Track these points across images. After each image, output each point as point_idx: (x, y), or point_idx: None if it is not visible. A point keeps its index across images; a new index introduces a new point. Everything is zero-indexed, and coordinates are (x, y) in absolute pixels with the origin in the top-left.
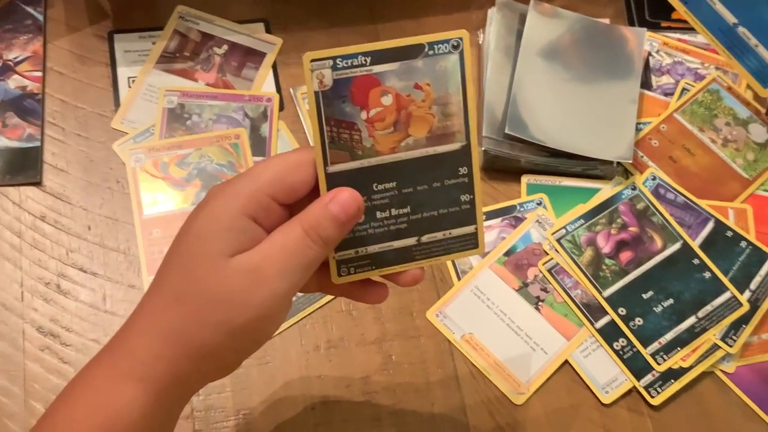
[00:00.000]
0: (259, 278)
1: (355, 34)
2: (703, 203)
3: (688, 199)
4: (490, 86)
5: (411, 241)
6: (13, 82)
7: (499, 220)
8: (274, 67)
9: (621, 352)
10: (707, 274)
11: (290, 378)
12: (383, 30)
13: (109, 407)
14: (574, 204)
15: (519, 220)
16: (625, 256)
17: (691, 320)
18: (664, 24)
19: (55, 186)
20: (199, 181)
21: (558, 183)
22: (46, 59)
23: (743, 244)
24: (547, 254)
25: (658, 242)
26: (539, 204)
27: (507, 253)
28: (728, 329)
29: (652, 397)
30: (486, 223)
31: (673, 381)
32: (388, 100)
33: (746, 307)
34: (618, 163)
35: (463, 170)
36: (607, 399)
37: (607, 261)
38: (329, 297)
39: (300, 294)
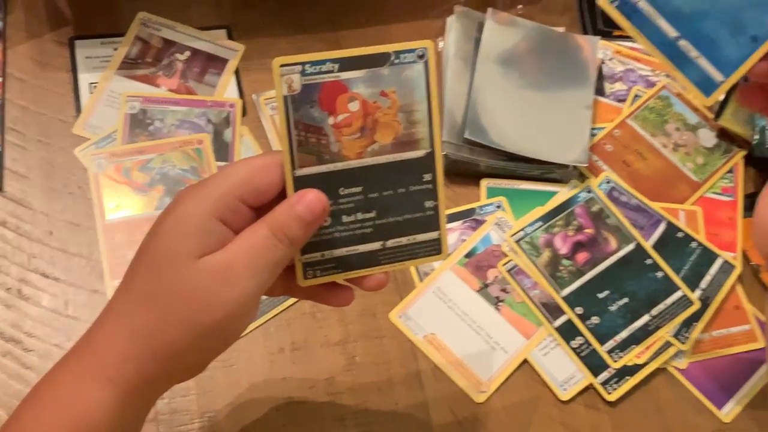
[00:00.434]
0: (227, 278)
1: (316, 41)
2: (655, 205)
3: (641, 201)
4: (450, 92)
5: (376, 245)
6: None
7: (459, 222)
8: (237, 73)
9: (578, 350)
10: (660, 274)
11: (255, 380)
12: (344, 37)
13: (77, 408)
14: (533, 207)
15: (479, 223)
16: (582, 256)
17: (645, 318)
18: (616, 33)
19: (16, 192)
20: (162, 186)
21: (517, 186)
22: (5, 65)
23: (693, 244)
24: (507, 256)
25: (613, 243)
26: (498, 207)
27: (468, 255)
28: (680, 327)
29: (609, 393)
30: (447, 226)
31: (628, 378)
32: (355, 106)
33: (697, 305)
34: (574, 166)
35: (427, 177)
36: (565, 396)
37: (564, 262)
38: (293, 300)
39: (264, 297)
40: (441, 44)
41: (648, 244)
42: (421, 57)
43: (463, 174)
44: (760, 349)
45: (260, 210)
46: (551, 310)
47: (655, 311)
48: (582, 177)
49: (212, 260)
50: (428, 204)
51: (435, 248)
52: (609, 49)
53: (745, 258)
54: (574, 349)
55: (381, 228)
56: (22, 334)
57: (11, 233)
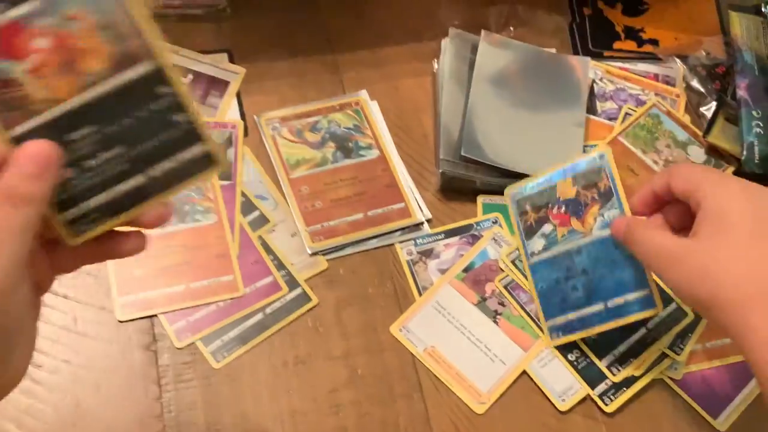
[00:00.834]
0: None
1: (315, 63)
2: None
3: None
4: (446, 111)
5: (139, 179)
6: None
7: (457, 238)
8: (238, 95)
9: (575, 363)
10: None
11: (260, 393)
12: (342, 60)
13: None
14: None
15: (476, 238)
16: None
17: (641, 332)
18: (606, 53)
19: None
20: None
21: None
22: None
23: None
24: (503, 271)
25: None
26: (495, 223)
27: (465, 270)
28: (675, 338)
29: (606, 404)
30: (445, 241)
31: (625, 389)
32: (43, 42)
33: (691, 317)
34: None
35: (164, 90)
36: (563, 407)
37: None
38: (297, 314)
39: (268, 311)
40: (436, 65)
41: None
42: None
43: (459, 191)
44: None
45: None
46: (537, 315)
47: (650, 324)
48: None
49: None
50: (178, 118)
51: (207, 162)
52: (599, 69)
53: None
54: (571, 362)
55: (136, 159)
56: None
57: None
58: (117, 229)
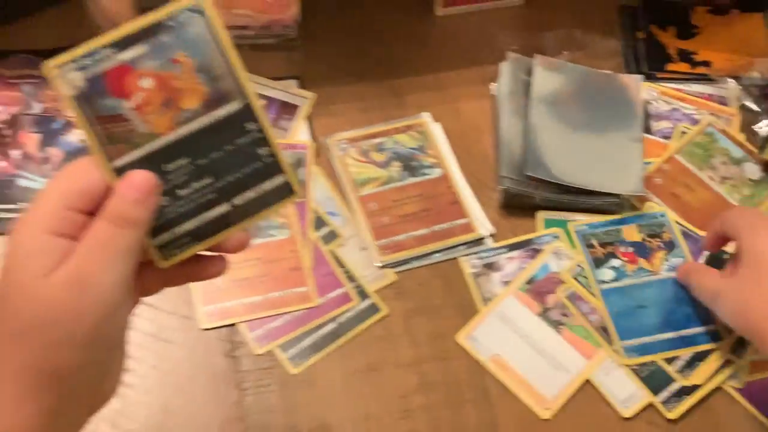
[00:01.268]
0: (82, 281)
1: (380, 87)
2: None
3: (690, 230)
4: (505, 131)
5: (224, 207)
6: (75, 137)
7: (519, 251)
8: (308, 118)
9: (639, 371)
10: None
11: (334, 398)
12: (405, 84)
13: None
14: None
15: (537, 252)
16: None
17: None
18: (660, 75)
19: None
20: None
21: (571, 218)
22: None
23: None
24: (565, 283)
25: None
26: (555, 237)
27: (528, 282)
28: (736, 346)
29: (669, 411)
30: (507, 255)
31: (687, 396)
32: (147, 82)
33: None
34: (626, 198)
35: (251, 126)
36: (627, 413)
37: None
38: (367, 323)
39: (341, 320)
40: (494, 88)
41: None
42: (197, 11)
43: (520, 206)
44: None
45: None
46: (610, 333)
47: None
48: (633, 208)
49: (61, 272)
50: (262, 152)
51: (286, 191)
52: (654, 90)
53: None
54: (634, 370)
55: (222, 189)
56: None
57: None
58: (200, 253)
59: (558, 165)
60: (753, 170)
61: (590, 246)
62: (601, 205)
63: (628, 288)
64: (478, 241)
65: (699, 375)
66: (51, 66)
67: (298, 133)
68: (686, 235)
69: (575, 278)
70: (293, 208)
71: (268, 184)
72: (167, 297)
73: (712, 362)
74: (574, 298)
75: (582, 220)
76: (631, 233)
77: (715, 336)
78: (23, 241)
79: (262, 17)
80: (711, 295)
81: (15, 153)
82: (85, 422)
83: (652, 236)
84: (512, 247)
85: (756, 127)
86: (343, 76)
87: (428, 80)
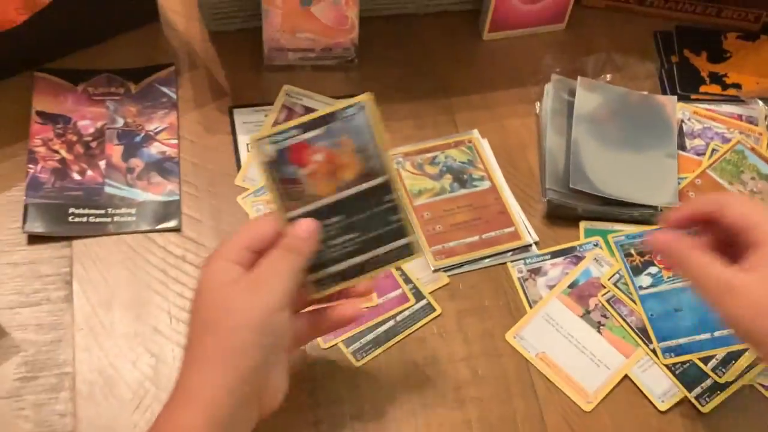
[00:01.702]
0: (258, 285)
1: (432, 106)
2: None
3: None
4: (550, 147)
5: (363, 257)
6: (155, 149)
7: (562, 258)
8: None
9: (673, 368)
10: None
11: (394, 389)
12: (455, 103)
13: None
14: None
15: (579, 259)
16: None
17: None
18: (693, 96)
19: (191, 232)
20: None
21: (611, 227)
22: (179, 129)
23: None
24: (605, 287)
25: None
26: (596, 245)
27: (571, 286)
28: None
29: (703, 405)
30: (551, 261)
31: (719, 392)
32: (320, 156)
33: None
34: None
35: (388, 197)
36: (663, 407)
37: None
38: (423, 322)
39: (399, 318)
40: (538, 107)
41: None
42: (362, 108)
43: (563, 217)
44: None
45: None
46: (647, 333)
47: None
48: None
49: (241, 280)
50: (394, 218)
51: (407, 251)
52: (687, 110)
53: None
54: (669, 367)
55: (363, 243)
56: None
57: (189, 266)
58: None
59: (599, 178)
60: None
61: (629, 255)
62: (639, 216)
63: (664, 293)
64: (525, 248)
65: (731, 373)
66: (254, 139)
67: None
68: None
69: (615, 285)
70: None
71: (395, 244)
72: None
73: (744, 361)
74: (613, 301)
75: (621, 230)
76: None
77: None
78: (214, 263)
79: (323, 40)
80: (719, 288)
81: (102, 163)
82: (251, 425)
83: None
84: (556, 254)
85: None
86: (398, 95)
87: (476, 100)
